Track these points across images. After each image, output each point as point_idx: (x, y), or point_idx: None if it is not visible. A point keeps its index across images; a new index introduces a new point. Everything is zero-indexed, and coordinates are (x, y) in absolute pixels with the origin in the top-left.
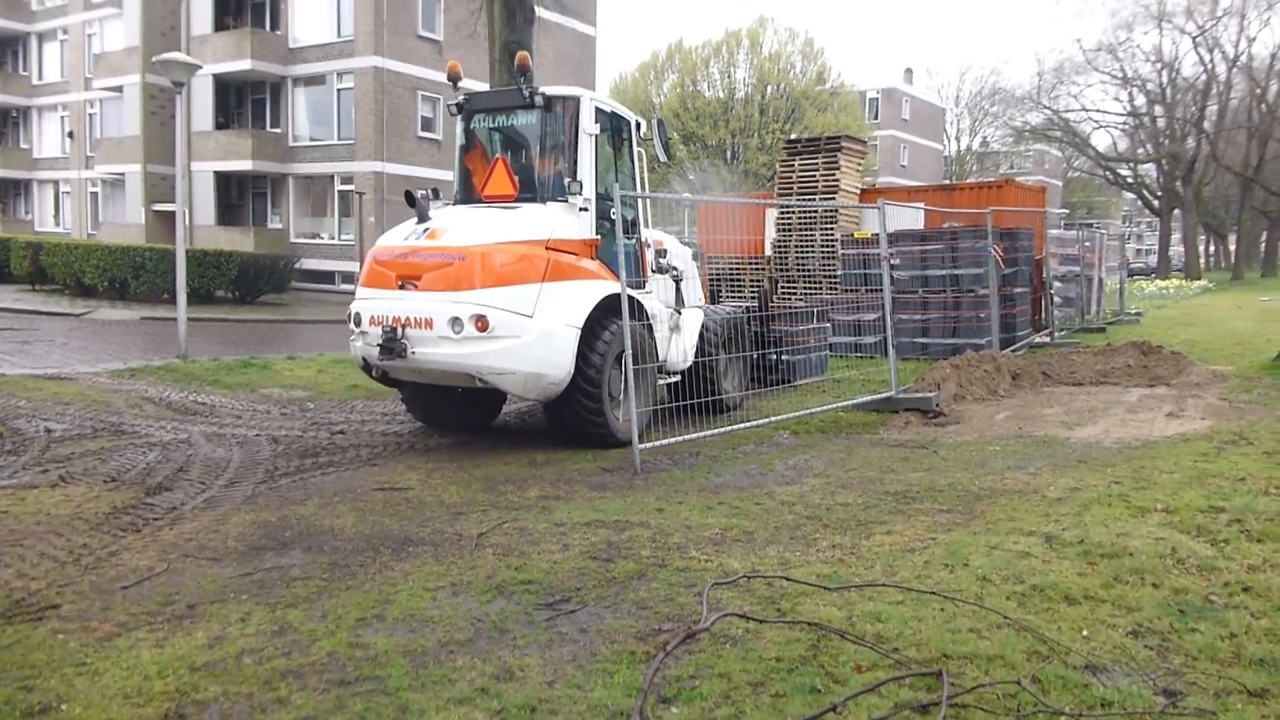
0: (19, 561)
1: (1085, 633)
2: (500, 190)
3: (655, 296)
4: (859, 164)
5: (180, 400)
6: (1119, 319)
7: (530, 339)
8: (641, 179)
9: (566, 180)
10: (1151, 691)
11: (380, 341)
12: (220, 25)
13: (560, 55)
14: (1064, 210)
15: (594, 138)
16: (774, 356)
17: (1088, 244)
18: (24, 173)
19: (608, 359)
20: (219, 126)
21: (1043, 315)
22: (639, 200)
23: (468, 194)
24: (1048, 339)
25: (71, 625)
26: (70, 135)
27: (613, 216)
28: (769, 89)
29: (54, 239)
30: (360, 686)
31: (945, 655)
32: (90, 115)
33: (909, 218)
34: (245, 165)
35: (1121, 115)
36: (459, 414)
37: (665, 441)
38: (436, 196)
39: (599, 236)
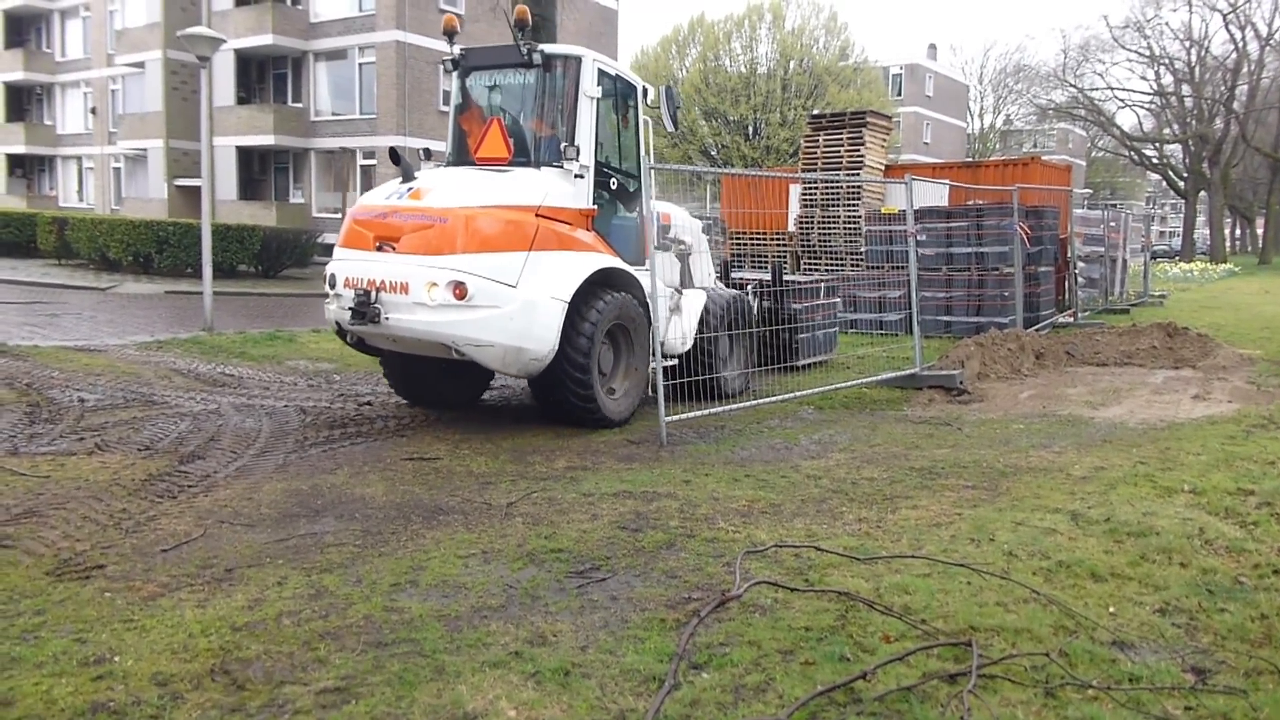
0: (64, 524)
1: (1112, 609)
2: (494, 153)
3: (656, 274)
4: (884, 140)
5: (208, 372)
6: (1143, 301)
7: (512, 310)
8: (646, 149)
9: (562, 145)
10: (1180, 669)
11: (352, 305)
12: (241, 0)
13: (582, 28)
14: (1087, 190)
15: (595, 101)
16: (784, 336)
17: (1112, 224)
18: (48, 149)
19: (597, 336)
20: (241, 101)
21: (1066, 295)
22: (641, 171)
23: (461, 156)
24: (1071, 319)
25: (117, 584)
26: (93, 111)
27: (611, 186)
28: (791, 64)
29: (78, 214)
30: (397, 648)
31: (972, 627)
32: (113, 91)
33: (934, 194)
34: (267, 140)
35: (1148, 94)
36: (440, 388)
37: (690, 415)
38: (428, 157)
39: (595, 207)
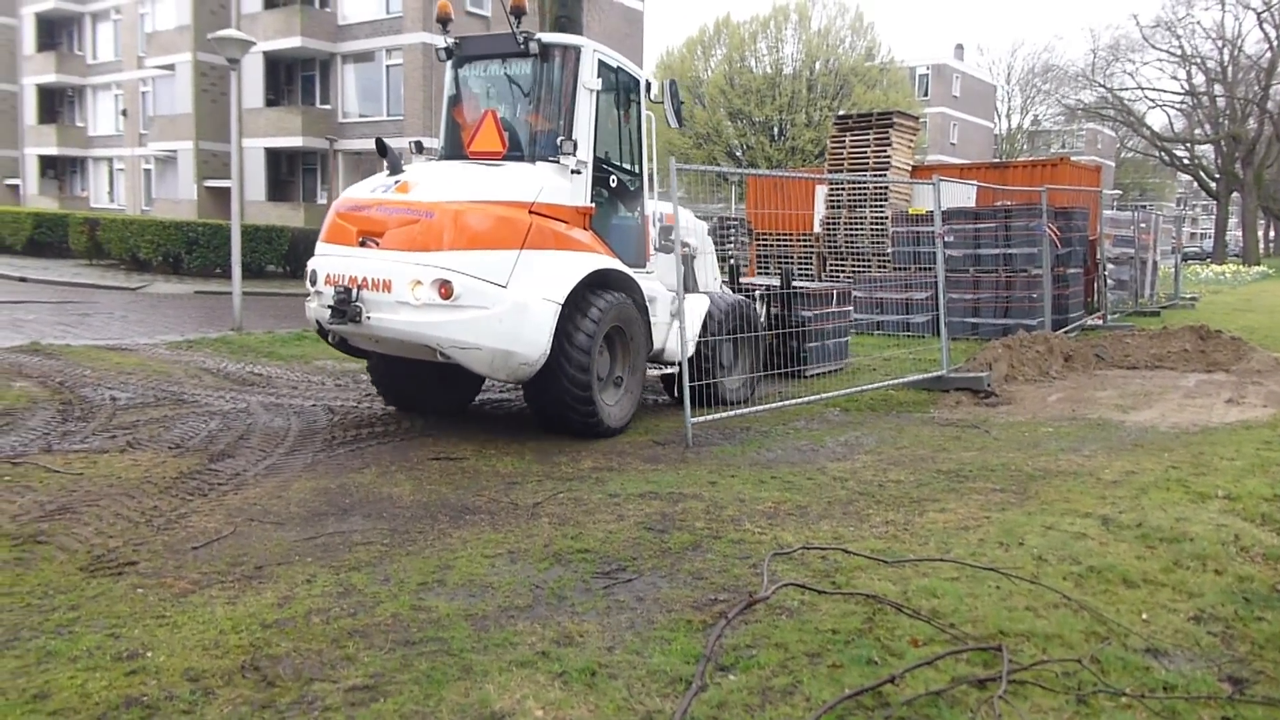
0: (96, 520)
1: (1145, 616)
2: (488, 146)
3: (656, 277)
4: (911, 140)
5: (237, 371)
6: (1173, 303)
7: (500, 311)
8: (649, 145)
9: (559, 139)
10: (1216, 678)
11: (332, 303)
12: (270, 3)
13: (608, 30)
14: (1117, 191)
15: (594, 94)
16: (792, 344)
17: (1142, 226)
18: (80, 150)
19: (595, 340)
20: (269, 103)
21: (1095, 297)
22: (643, 168)
23: (454, 149)
24: (1100, 321)
25: (149, 581)
26: (124, 113)
27: (611, 183)
28: (817, 65)
29: (109, 215)
30: (425, 647)
31: (1002, 632)
32: (143, 93)
33: (961, 195)
34: (296, 141)
35: (1179, 94)
36: (429, 392)
37: (715, 416)
38: (420, 150)
39: (594, 205)
